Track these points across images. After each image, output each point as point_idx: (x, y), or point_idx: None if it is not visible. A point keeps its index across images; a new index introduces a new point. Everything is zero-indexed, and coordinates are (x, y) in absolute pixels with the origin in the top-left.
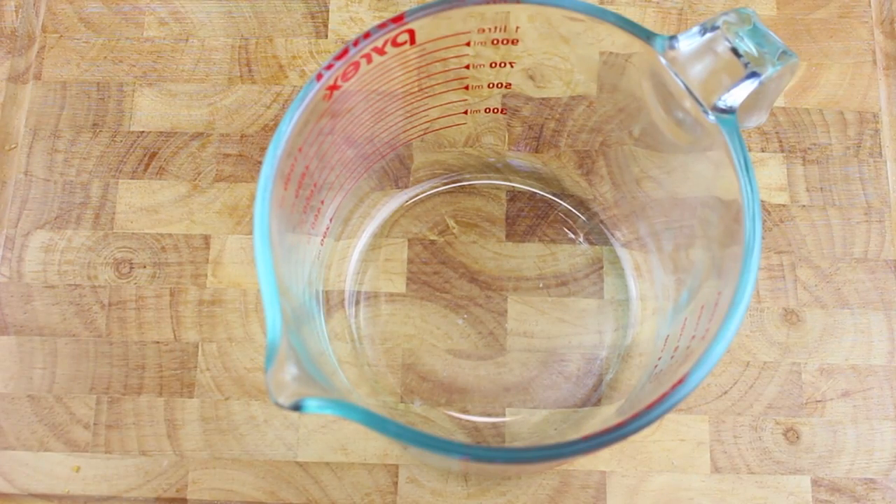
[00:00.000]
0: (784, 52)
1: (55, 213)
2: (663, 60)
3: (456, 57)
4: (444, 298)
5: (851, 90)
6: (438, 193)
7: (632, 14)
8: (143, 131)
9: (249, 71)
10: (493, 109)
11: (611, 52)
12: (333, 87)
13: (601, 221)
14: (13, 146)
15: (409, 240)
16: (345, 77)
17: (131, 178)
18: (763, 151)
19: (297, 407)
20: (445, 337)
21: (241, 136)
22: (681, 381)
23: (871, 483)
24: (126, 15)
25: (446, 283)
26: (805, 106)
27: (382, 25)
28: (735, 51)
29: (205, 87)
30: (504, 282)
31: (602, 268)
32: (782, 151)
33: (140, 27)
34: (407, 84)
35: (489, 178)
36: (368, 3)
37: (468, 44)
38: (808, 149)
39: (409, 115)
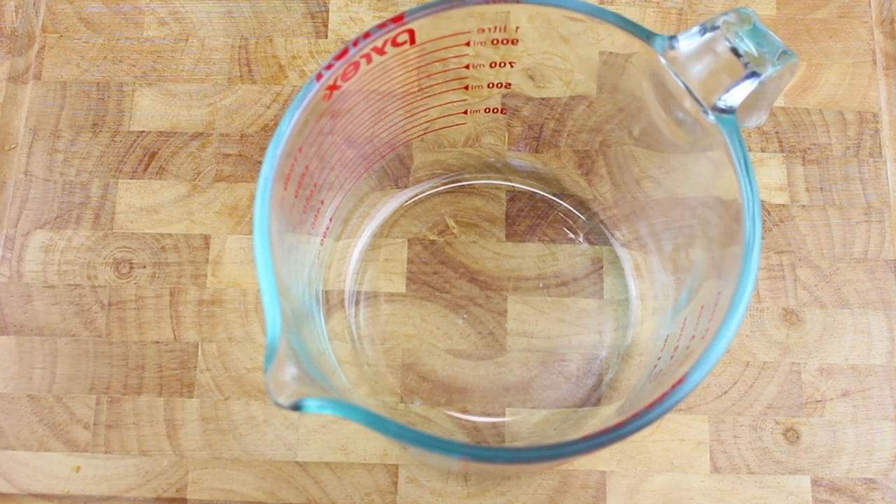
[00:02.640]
0: (784, 52)
1: (55, 212)
2: (663, 60)
3: (456, 57)
4: (444, 298)
5: (851, 90)
6: (438, 193)
7: (632, 14)
8: (142, 131)
9: (249, 71)
10: (493, 109)
11: (611, 52)
12: (333, 87)
13: (601, 221)
14: (13, 146)
15: (409, 240)
16: (345, 77)
17: (131, 178)
18: (763, 151)
19: (296, 407)
20: (445, 337)
21: (241, 136)
22: (681, 381)
23: (871, 483)
24: (126, 15)
25: (446, 283)
26: (805, 106)
27: (382, 25)
28: (735, 51)
29: (205, 87)
30: (504, 282)
31: (602, 268)
32: (782, 151)
33: (140, 27)
34: (407, 84)
35: (489, 178)
36: (368, 3)
37: (468, 44)
38: (808, 149)
39: (408, 115)
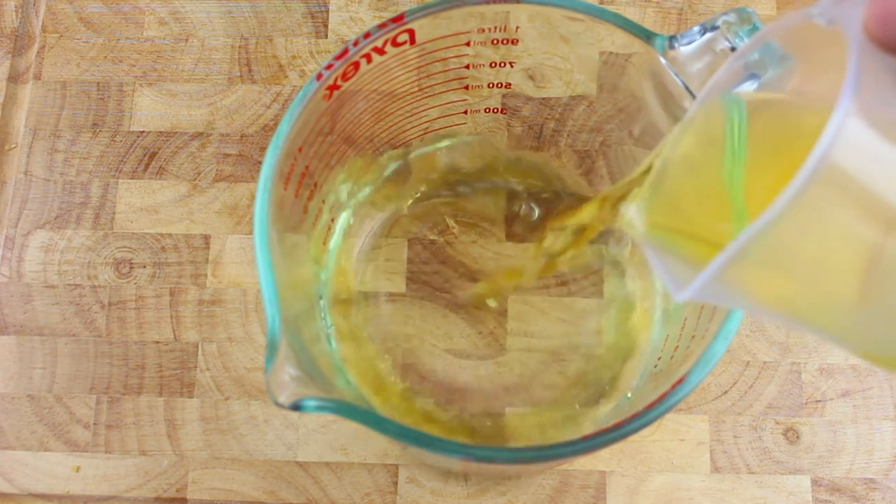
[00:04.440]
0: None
1: (55, 212)
2: (663, 60)
3: (456, 57)
4: (443, 298)
5: None
6: (438, 193)
7: (632, 14)
8: (143, 131)
9: (249, 71)
10: (493, 109)
11: (611, 52)
12: (333, 87)
13: None
14: (13, 146)
15: (409, 240)
16: (345, 77)
17: (131, 178)
18: None
19: (296, 407)
20: (445, 337)
21: (241, 136)
22: (681, 381)
23: (871, 483)
24: (126, 15)
25: (446, 282)
26: None
27: (382, 25)
28: (735, 51)
29: (205, 87)
30: (505, 281)
31: (602, 268)
32: None
33: (140, 27)
34: (407, 84)
35: (489, 178)
36: (368, 2)
37: (468, 44)
38: None
39: (409, 115)
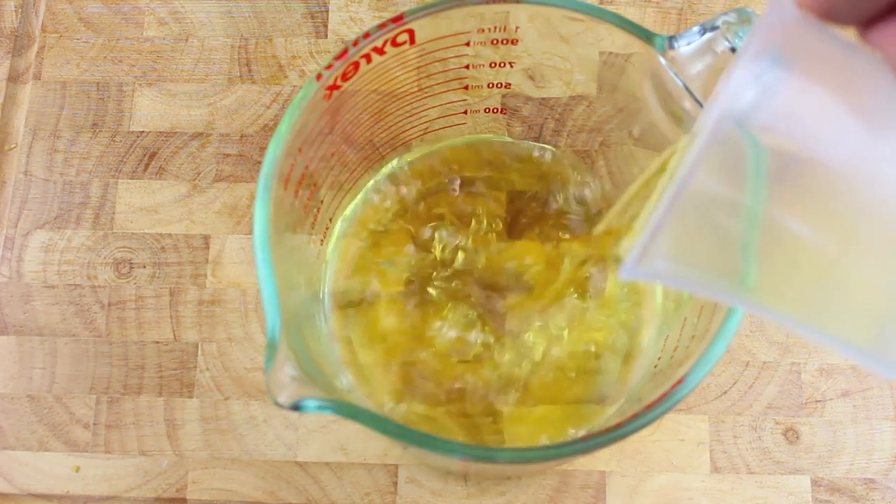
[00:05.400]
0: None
1: (55, 213)
2: (663, 60)
3: (455, 57)
4: (444, 298)
5: None
6: (438, 192)
7: (632, 14)
8: (142, 131)
9: (249, 71)
10: (493, 109)
11: (611, 52)
12: (333, 87)
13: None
14: (13, 146)
15: (409, 240)
16: (344, 77)
17: (131, 178)
18: None
19: (296, 407)
20: (445, 337)
21: (241, 136)
22: (680, 381)
23: (871, 483)
24: (126, 15)
25: (447, 283)
26: None
27: (382, 25)
28: (735, 51)
29: (205, 87)
30: (504, 282)
31: (602, 268)
32: None
33: (140, 27)
34: (407, 84)
35: (489, 178)
36: (368, 3)
37: (468, 44)
38: None
39: (408, 115)
